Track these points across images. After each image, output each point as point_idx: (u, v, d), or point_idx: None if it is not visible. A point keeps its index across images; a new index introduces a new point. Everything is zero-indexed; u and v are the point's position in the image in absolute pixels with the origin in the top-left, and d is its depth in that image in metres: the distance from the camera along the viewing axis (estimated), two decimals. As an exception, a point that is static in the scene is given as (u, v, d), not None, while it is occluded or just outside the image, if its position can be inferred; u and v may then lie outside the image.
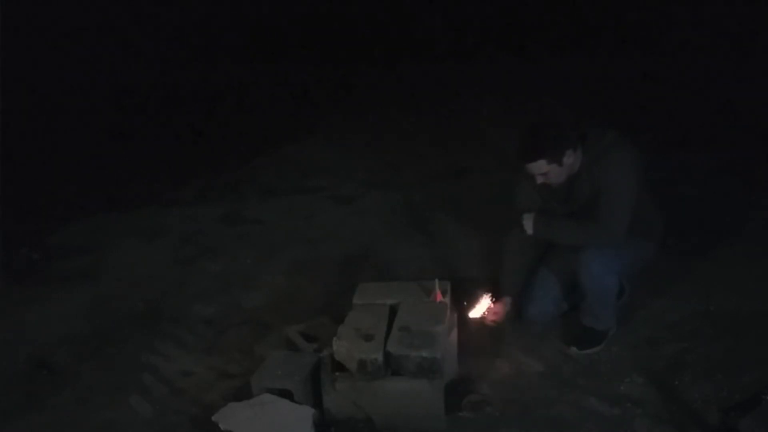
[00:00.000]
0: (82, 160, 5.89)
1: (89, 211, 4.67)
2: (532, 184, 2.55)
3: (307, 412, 2.17)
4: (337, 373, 2.26)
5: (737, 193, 4.03)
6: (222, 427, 2.12)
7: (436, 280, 2.53)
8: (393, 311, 2.47)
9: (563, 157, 2.42)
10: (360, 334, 2.28)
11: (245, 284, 3.47)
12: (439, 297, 2.50)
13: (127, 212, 4.65)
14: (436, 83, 8.18)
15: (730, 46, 7.53)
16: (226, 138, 6.53)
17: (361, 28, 9.70)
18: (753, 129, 5.15)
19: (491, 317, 2.75)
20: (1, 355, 2.93)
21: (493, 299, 2.81)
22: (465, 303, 2.81)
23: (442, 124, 6.35)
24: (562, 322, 2.85)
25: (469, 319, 2.76)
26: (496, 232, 3.66)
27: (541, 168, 2.44)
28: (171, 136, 6.65)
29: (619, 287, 2.68)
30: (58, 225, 4.46)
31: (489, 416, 2.32)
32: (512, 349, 2.69)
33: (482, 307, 2.78)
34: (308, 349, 2.51)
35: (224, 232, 4.23)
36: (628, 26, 8.68)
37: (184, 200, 4.86)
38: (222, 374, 2.68)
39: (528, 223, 2.63)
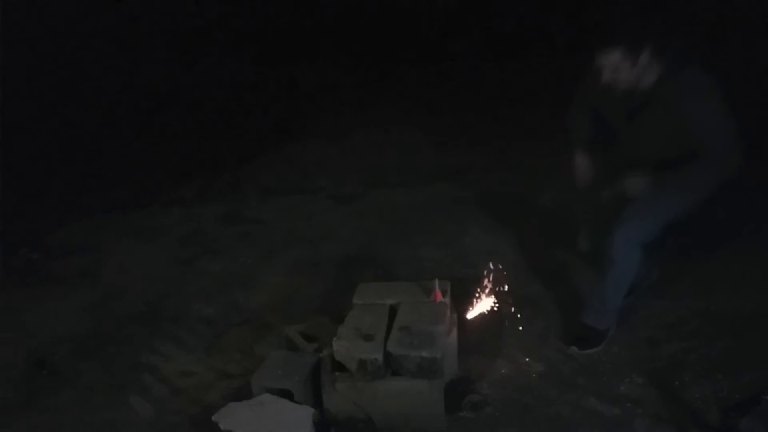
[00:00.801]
0: (82, 160, 5.89)
1: (89, 211, 4.67)
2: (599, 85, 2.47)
3: (307, 412, 2.16)
4: (337, 373, 2.26)
5: (737, 193, 4.02)
6: (222, 427, 2.12)
7: (436, 280, 2.53)
8: (393, 311, 2.47)
9: (639, 56, 2.34)
10: (360, 334, 2.28)
11: (245, 284, 3.47)
12: (439, 297, 2.50)
13: (127, 212, 4.65)
14: (436, 83, 8.18)
15: (729, 45, 7.53)
16: (226, 138, 6.53)
17: (362, 29, 9.70)
18: (753, 128, 5.14)
19: (580, 175, 2.75)
20: (1, 355, 2.93)
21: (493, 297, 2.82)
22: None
23: (443, 123, 6.34)
24: (563, 321, 2.86)
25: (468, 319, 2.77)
26: (496, 232, 3.67)
27: (614, 60, 2.36)
28: (171, 136, 6.65)
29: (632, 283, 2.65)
30: (58, 225, 4.46)
31: (489, 416, 2.32)
32: (512, 349, 2.70)
33: (482, 306, 2.78)
34: (308, 349, 2.51)
35: (224, 232, 4.23)
36: (624, 27, 8.66)
37: (184, 200, 4.87)
38: (222, 374, 2.68)
39: (636, 184, 2.53)
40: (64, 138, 6.55)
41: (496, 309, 2.83)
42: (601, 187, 2.74)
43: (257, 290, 3.40)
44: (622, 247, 2.51)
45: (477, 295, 2.83)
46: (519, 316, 2.89)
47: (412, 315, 2.39)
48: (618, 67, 2.38)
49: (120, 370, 2.78)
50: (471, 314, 2.78)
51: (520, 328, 2.83)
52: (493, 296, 2.84)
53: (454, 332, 2.50)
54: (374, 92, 7.94)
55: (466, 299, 2.82)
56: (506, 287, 2.98)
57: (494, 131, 5.90)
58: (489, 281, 2.90)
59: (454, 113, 6.63)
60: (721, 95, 2.38)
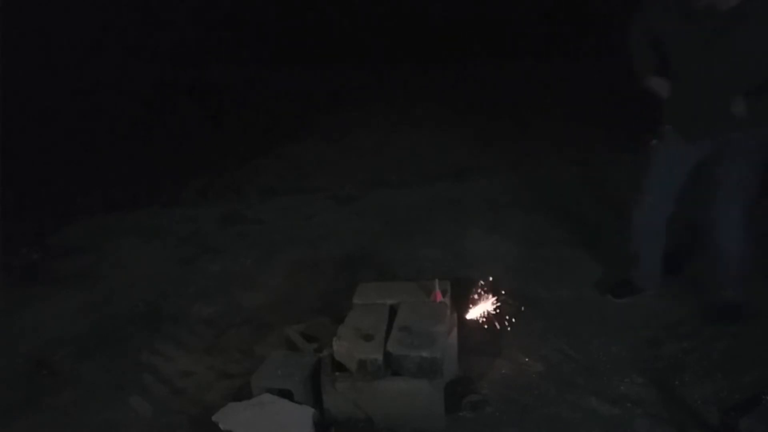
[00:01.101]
0: (82, 160, 5.89)
1: (89, 211, 4.67)
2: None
3: (307, 412, 2.17)
4: (337, 373, 2.26)
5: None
6: (222, 427, 2.12)
7: (436, 280, 2.53)
8: (393, 311, 2.47)
9: None
10: (360, 334, 2.28)
11: (245, 284, 3.47)
12: (439, 297, 2.50)
13: (127, 212, 4.65)
14: (436, 83, 8.18)
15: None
16: (226, 138, 6.53)
17: (362, 29, 9.70)
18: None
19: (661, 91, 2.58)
20: (1, 355, 2.94)
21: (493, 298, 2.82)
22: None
23: (443, 123, 6.35)
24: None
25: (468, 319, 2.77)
26: (496, 232, 3.66)
27: None
28: (171, 136, 6.65)
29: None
30: (58, 225, 4.45)
31: (489, 416, 2.32)
32: (512, 349, 2.69)
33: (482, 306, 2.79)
34: (308, 349, 2.51)
35: (224, 232, 4.23)
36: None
37: (184, 200, 4.86)
38: (222, 374, 2.68)
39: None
40: (65, 138, 6.54)
41: (496, 309, 2.83)
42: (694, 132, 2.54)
43: (257, 290, 3.40)
44: (731, 229, 2.55)
45: (477, 295, 2.83)
46: (519, 315, 2.89)
47: (412, 315, 2.39)
48: None
49: (120, 370, 2.78)
50: (471, 314, 2.78)
51: (518, 327, 2.82)
52: (492, 296, 2.84)
53: (454, 332, 2.50)
54: (374, 92, 7.94)
55: (466, 299, 2.82)
56: (506, 287, 2.98)
57: (495, 131, 5.89)
58: (488, 281, 2.90)
59: (454, 113, 6.63)
60: None
